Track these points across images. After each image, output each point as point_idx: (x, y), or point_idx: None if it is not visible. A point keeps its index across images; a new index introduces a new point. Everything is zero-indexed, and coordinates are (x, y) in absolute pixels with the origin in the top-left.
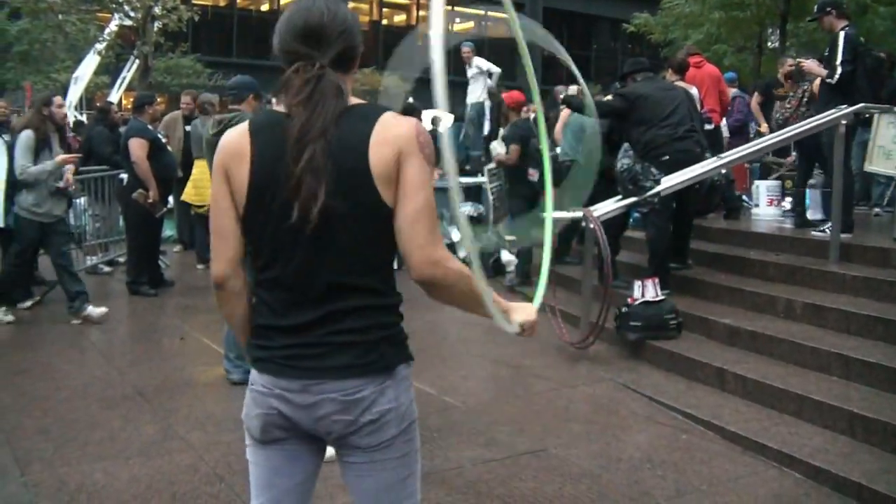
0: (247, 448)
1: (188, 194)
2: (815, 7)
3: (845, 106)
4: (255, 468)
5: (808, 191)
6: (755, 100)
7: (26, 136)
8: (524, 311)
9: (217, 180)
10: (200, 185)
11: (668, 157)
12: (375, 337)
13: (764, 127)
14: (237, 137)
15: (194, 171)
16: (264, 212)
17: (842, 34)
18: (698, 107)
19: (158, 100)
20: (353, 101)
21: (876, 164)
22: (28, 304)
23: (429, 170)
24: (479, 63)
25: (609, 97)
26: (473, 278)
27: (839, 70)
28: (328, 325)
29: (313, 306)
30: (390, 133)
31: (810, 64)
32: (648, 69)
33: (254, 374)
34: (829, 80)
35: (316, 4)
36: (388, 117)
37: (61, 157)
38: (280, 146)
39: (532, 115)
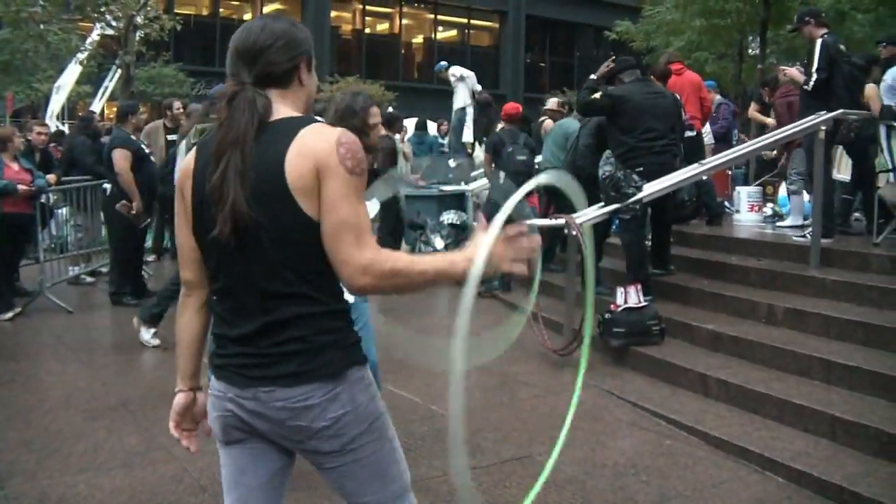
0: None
1: None
2: (795, 17)
3: (824, 112)
4: (224, 468)
5: (791, 197)
6: (753, 108)
7: None
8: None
9: (176, 197)
10: None
11: (642, 169)
12: (318, 343)
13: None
14: (189, 155)
15: None
16: (204, 225)
17: (819, 42)
18: (683, 114)
19: (142, 109)
20: (287, 114)
21: (844, 173)
22: (9, 315)
23: (351, 180)
24: (454, 71)
25: (597, 95)
26: (409, 265)
27: (814, 77)
28: (269, 336)
29: (253, 317)
30: (307, 147)
31: (793, 71)
32: (634, 66)
33: (212, 378)
34: (805, 87)
35: (254, 24)
36: (309, 131)
37: None
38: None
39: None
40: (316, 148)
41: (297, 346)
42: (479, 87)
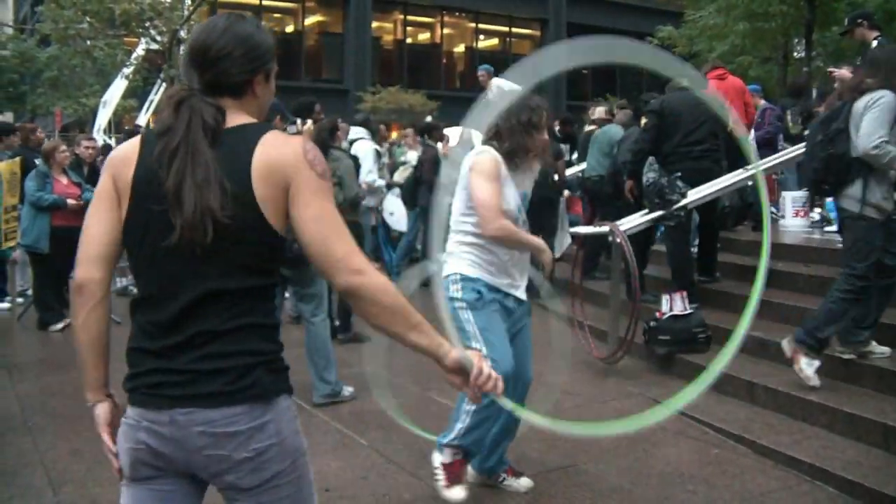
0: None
1: None
2: (847, 19)
3: None
4: None
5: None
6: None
7: None
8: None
9: (103, 183)
10: None
11: (680, 174)
12: (248, 362)
13: None
14: (129, 144)
15: None
16: (144, 226)
17: (874, 43)
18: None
19: None
20: (242, 121)
21: None
22: (60, 326)
23: (324, 184)
24: (499, 83)
25: (644, 120)
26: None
27: None
28: (196, 350)
29: (181, 328)
30: (273, 157)
31: (843, 72)
32: None
33: (127, 407)
34: None
35: (217, 25)
36: (272, 136)
37: None
38: (157, 159)
39: None
40: (285, 158)
41: (225, 363)
42: None
